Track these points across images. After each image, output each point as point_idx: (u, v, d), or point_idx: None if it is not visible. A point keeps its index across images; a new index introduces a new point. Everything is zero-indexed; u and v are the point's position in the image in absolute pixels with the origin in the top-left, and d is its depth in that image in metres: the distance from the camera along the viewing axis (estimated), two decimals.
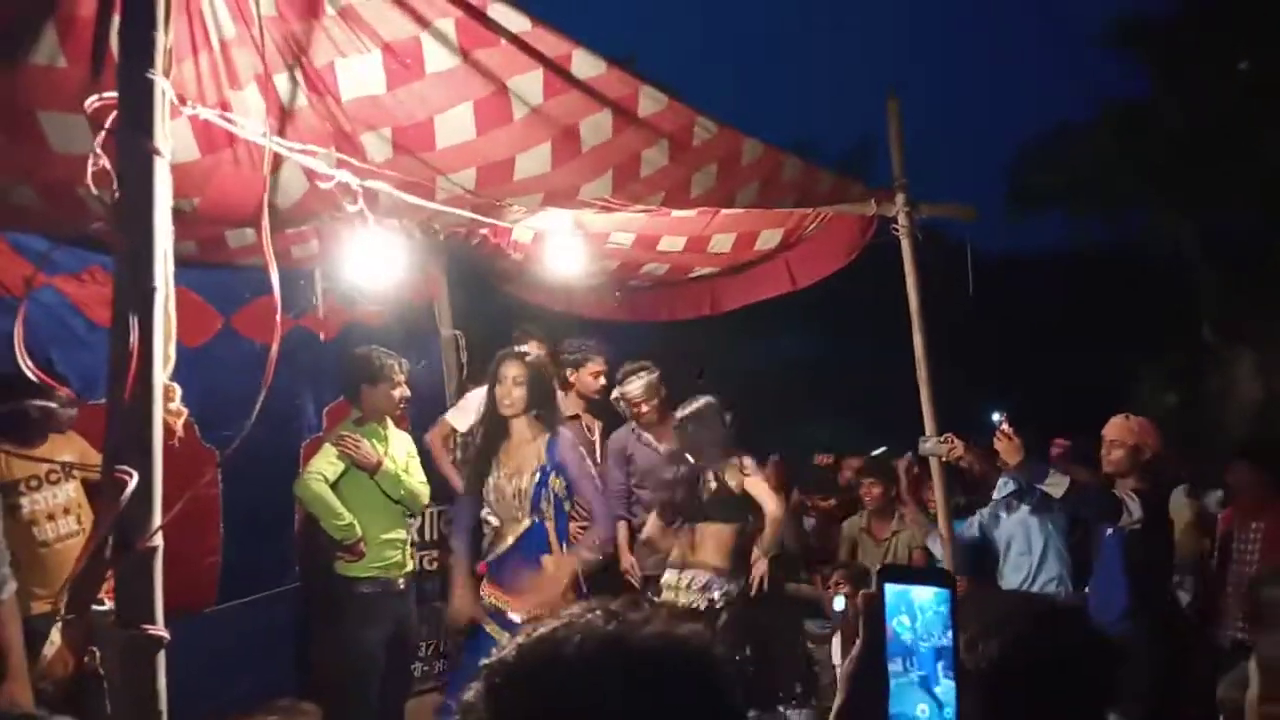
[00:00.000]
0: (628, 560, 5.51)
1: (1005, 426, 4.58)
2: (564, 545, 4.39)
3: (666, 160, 3.56)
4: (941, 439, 4.63)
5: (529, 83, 3.01)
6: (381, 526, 4.85)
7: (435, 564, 5.69)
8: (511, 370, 4.45)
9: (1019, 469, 4.63)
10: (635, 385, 5.47)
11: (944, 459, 4.67)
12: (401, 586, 4.95)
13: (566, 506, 4.46)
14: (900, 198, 4.64)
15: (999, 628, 1.53)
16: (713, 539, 5.01)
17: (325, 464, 4.76)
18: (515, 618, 4.24)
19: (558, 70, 3.00)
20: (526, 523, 4.39)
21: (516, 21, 2.81)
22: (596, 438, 5.80)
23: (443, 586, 5.21)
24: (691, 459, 5.08)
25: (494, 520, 4.53)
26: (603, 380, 5.70)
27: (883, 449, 6.43)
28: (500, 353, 4.61)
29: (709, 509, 5.03)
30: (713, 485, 5.02)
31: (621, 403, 5.63)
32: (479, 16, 2.76)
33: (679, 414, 5.18)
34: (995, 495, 5.29)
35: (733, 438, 5.18)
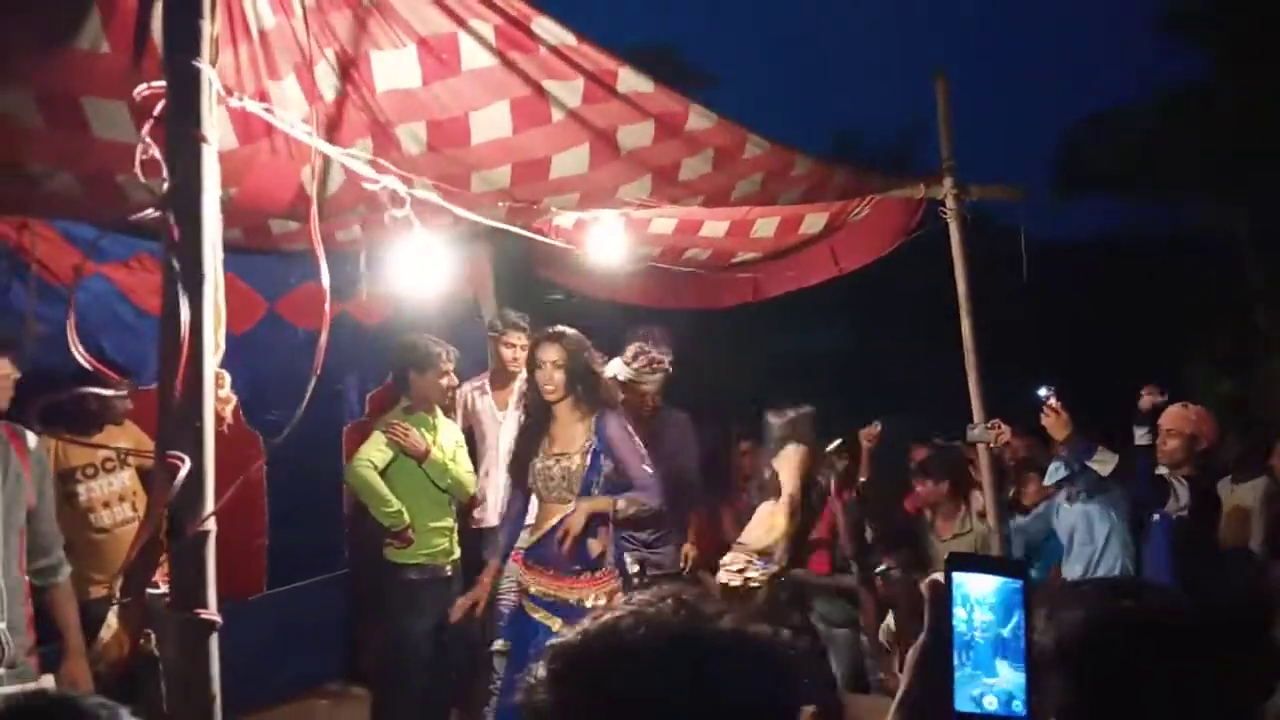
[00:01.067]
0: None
1: (1053, 401, 4.52)
2: (609, 525, 4.30)
3: (710, 168, 3.55)
4: (989, 425, 4.57)
5: (568, 89, 3.00)
6: (429, 514, 4.88)
7: None
8: (550, 354, 4.39)
9: (1066, 444, 4.56)
10: (652, 379, 5.37)
11: (991, 445, 4.61)
12: (449, 574, 4.98)
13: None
14: (948, 180, 4.60)
15: (1079, 607, 1.47)
16: (762, 519, 4.99)
17: (374, 451, 4.80)
18: (569, 599, 4.19)
19: (600, 83, 2.99)
20: (573, 504, 4.30)
21: (559, 35, 2.79)
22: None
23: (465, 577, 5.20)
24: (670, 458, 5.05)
25: (533, 506, 4.53)
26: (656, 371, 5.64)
27: (838, 442, 6.18)
28: (534, 336, 4.60)
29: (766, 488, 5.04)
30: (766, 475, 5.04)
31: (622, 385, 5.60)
32: (521, 28, 2.75)
33: (776, 419, 5.15)
34: (1047, 480, 5.20)
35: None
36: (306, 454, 5.23)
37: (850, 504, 6.11)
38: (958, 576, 1.20)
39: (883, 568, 5.80)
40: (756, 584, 4.86)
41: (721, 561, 5.00)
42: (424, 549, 4.87)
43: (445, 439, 5.02)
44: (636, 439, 4.44)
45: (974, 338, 4.67)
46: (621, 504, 4.27)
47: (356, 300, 5.29)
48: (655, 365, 5.41)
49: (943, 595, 1.18)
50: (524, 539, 4.51)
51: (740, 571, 4.86)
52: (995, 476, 4.78)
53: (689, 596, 1.07)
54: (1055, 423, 4.52)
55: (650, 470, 4.34)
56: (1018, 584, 1.19)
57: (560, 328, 4.51)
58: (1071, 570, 5.11)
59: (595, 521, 4.25)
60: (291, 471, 5.04)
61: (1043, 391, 4.73)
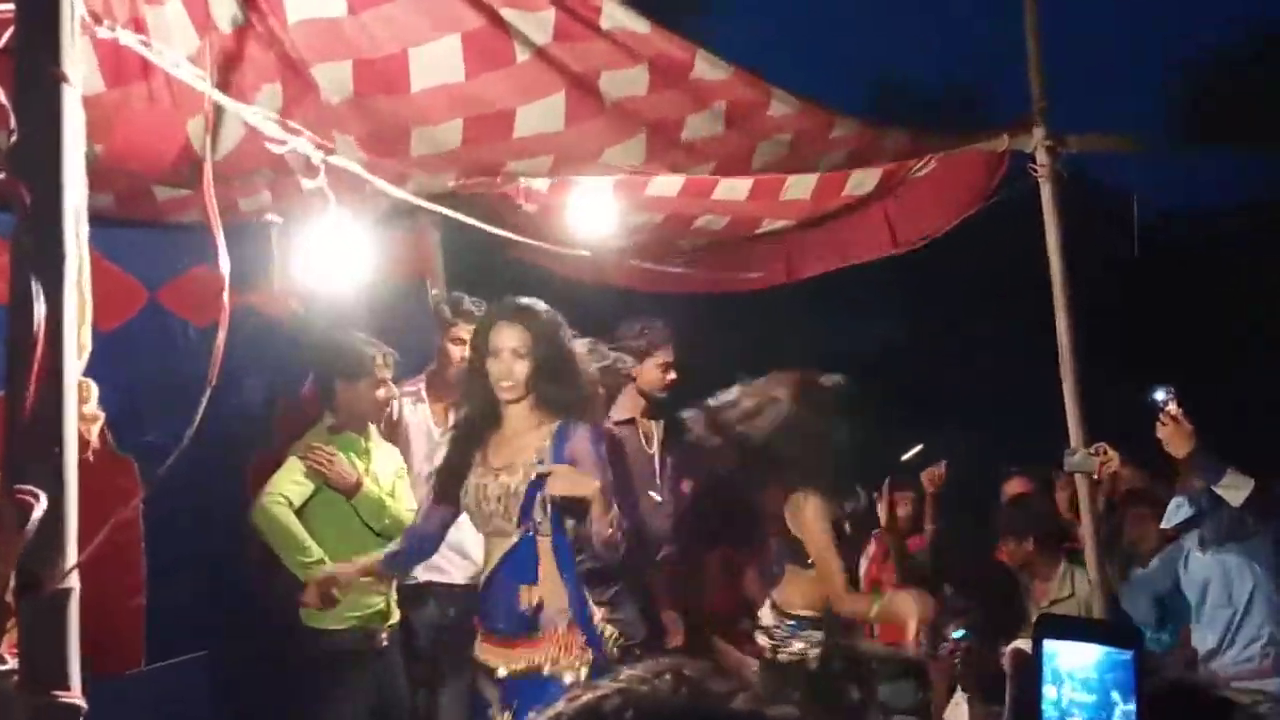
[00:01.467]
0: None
1: (1172, 407, 4.52)
2: (564, 574, 4.06)
3: (721, 127, 3.57)
4: (1092, 450, 4.58)
5: (536, 22, 3.02)
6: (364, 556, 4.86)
7: None
8: (509, 338, 4.14)
9: (1189, 462, 4.57)
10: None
11: (1096, 476, 4.62)
12: (385, 642, 4.97)
13: (570, 523, 4.12)
14: (1039, 129, 4.63)
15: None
16: (791, 581, 4.98)
17: (289, 483, 4.79)
18: (503, 671, 4.04)
19: (576, 15, 3.01)
20: (513, 538, 4.10)
21: None
22: (656, 448, 5.78)
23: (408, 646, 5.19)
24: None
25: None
26: (672, 375, 5.68)
27: (916, 448, 6.21)
28: (490, 309, 4.45)
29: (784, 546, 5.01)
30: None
31: (634, 370, 5.60)
32: None
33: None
34: (1165, 522, 5.21)
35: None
36: (198, 487, 5.19)
37: (917, 555, 6.14)
38: (1049, 645, 1.21)
39: (961, 632, 5.81)
40: (803, 655, 4.84)
41: (760, 619, 5.00)
42: (353, 610, 4.86)
43: (381, 467, 5.01)
44: (607, 462, 4.26)
45: (1071, 333, 4.69)
46: (601, 528, 4.04)
47: (265, 289, 5.31)
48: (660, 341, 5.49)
49: (1028, 668, 1.19)
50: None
51: (785, 639, 4.85)
52: (1097, 516, 4.78)
53: (692, 672, 1.07)
54: (1175, 434, 4.53)
55: (615, 513, 4.11)
56: (1126, 656, 1.20)
57: (525, 301, 4.25)
58: (1203, 638, 5.10)
59: (530, 557, 4.06)
60: (179, 510, 5.01)
61: (1160, 395, 4.74)
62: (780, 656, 4.83)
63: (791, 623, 4.87)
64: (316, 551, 4.75)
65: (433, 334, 5.75)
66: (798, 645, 4.85)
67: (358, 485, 4.83)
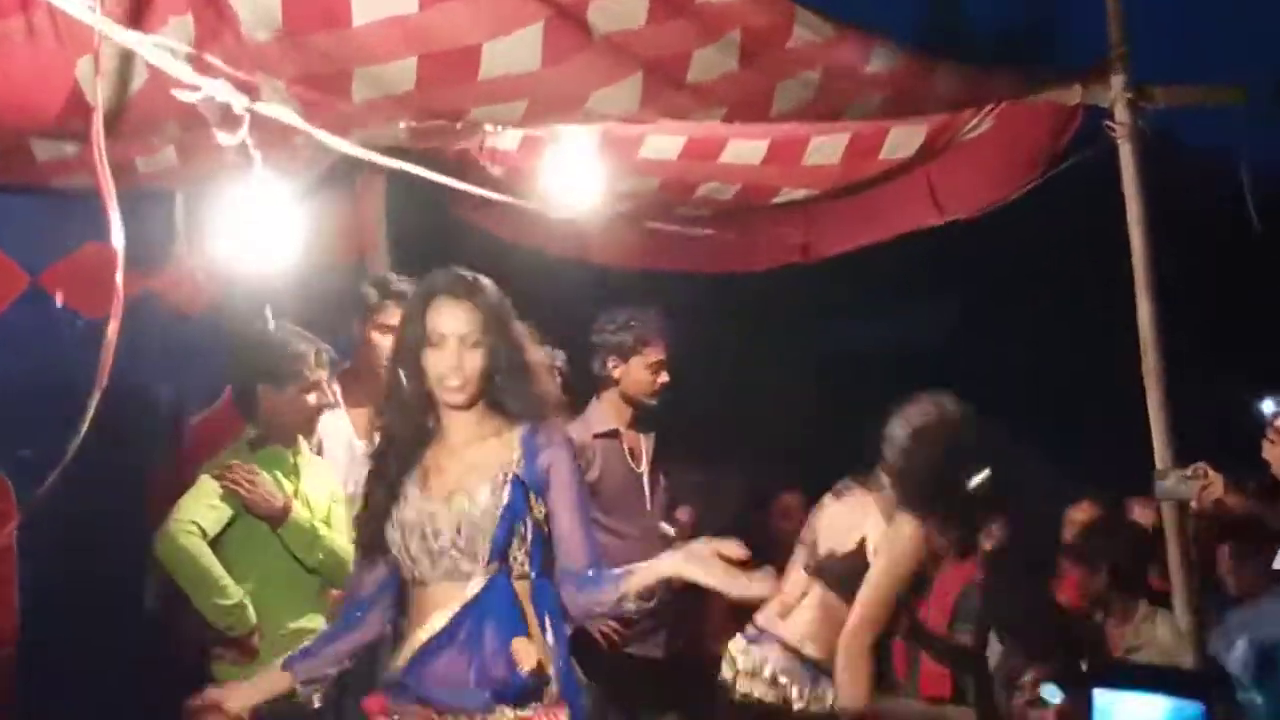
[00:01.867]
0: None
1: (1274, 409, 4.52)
2: (551, 626, 3.91)
3: (735, 64, 3.56)
4: (1189, 472, 4.57)
5: None
6: (287, 609, 4.83)
7: None
8: (455, 321, 3.66)
9: None
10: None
11: (1193, 504, 4.61)
12: (317, 704, 4.93)
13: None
14: (1119, 78, 4.60)
15: None
16: (816, 610, 4.96)
17: (202, 508, 4.74)
18: None
19: None
20: (478, 581, 3.72)
21: None
22: (645, 464, 5.76)
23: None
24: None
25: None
26: (664, 377, 5.64)
27: (983, 474, 6.20)
28: (423, 284, 3.95)
29: (825, 567, 4.96)
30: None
31: (620, 370, 5.61)
32: None
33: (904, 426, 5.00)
34: (1278, 563, 5.21)
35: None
36: (87, 513, 5.16)
37: (965, 591, 6.13)
38: (1103, 696, 1.19)
39: (1051, 689, 5.81)
40: (798, 708, 4.82)
41: (731, 648, 4.97)
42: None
43: (314, 489, 4.97)
44: (582, 479, 3.98)
45: (1156, 326, 4.68)
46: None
47: (169, 271, 5.29)
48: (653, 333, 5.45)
49: None
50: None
51: (773, 685, 4.83)
52: (1186, 547, 4.76)
53: None
54: None
55: (589, 541, 3.83)
56: (1196, 709, 1.18)
57: (464, 273, 3.78)
58: None
59: (507, 604, 3.70)
60: (61, 541, 5.00)
61: (1269, 407, 4.72)
62: (742, 691, 4.82)
63: (774, 654, 4.86)
64: (235, 592, 4.70)
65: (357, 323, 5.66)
66: (785, 690, 4.82)
67: (285, 511, 4.79)
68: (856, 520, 4.84)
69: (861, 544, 4.81)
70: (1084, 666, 2.30)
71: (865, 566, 4.78)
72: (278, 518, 4.77)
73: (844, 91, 3.92)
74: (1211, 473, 4.59)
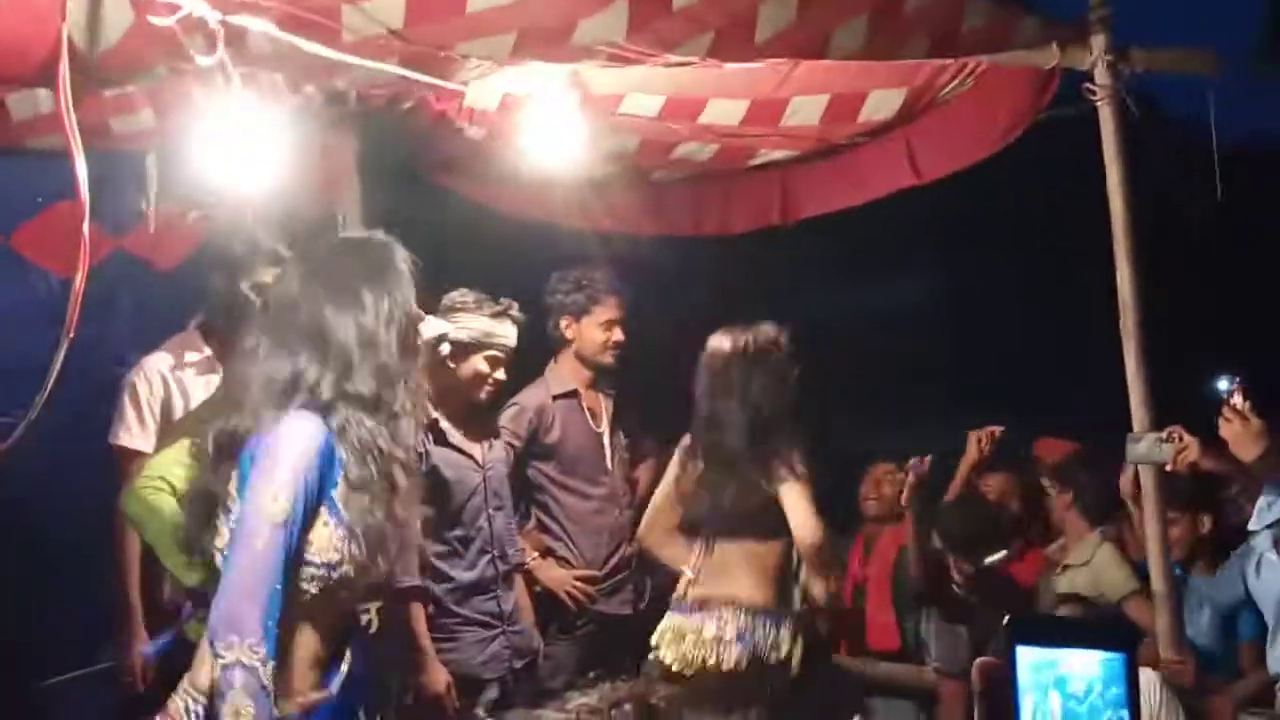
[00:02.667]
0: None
1: (1237, 400, 4.51)
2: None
3: None
4: (1164, 435, 4.58)
5: None
6: None
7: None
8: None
9: (1260, 466, 4.56)
10: (502, 339, 5.20)
11: (1170, 467, 4.62)
12: None
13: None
14: (1100, 39, 4.58)
15: None
16: (746, 562, 4.98)
17: (172, 464, 4.67)
18: None
19: None
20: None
21: None
22: (606, 426, 5.77)
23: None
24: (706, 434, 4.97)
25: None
26: (618, 334, 5.66)
27: (1000, 554, 6.24)
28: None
29: (733, 521, 4.98)
30: (733, 489, 4.96)
31: (572, 330, 5.67)
32: None
33: (721, 344, 5.04)
34: (1254, 523, 5.23)
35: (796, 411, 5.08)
36: (57, 474, 5.14)
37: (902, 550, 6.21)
38: (1024, 651, 1.20)
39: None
40: (773, 661, 4.83)
41: (672, 629, 4.98)
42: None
43: None
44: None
45: (1135, 291, 4.67)
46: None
47: (144, 231, 5.25)
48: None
49: (1000, 682, 1.19)
50: None
51: (740, 641, 4.83)
52: (1162, 508, 4.77)
53: (659, 699, 1.05)
54: (1241, 434, 4.48)
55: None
56: (1118, 658, 1.19)
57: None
58: (1277, 657, 5.14)
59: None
60: (31, 503, 4.98)
61: (1223, 384, 4.73)
62: (697, 657, 4.83)
63: (723, 614, 4.87)
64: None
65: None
66: (750, 643, 4.83)
67: None
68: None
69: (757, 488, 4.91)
70: (1005, 621, 2.31)
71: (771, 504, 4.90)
72: None
73: (824, 16, 3.87)
74: (1187, 436, 4.59)
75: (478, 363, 5.02)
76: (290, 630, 2.95)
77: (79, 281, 2.36)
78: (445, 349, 4.81)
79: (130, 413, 5.08)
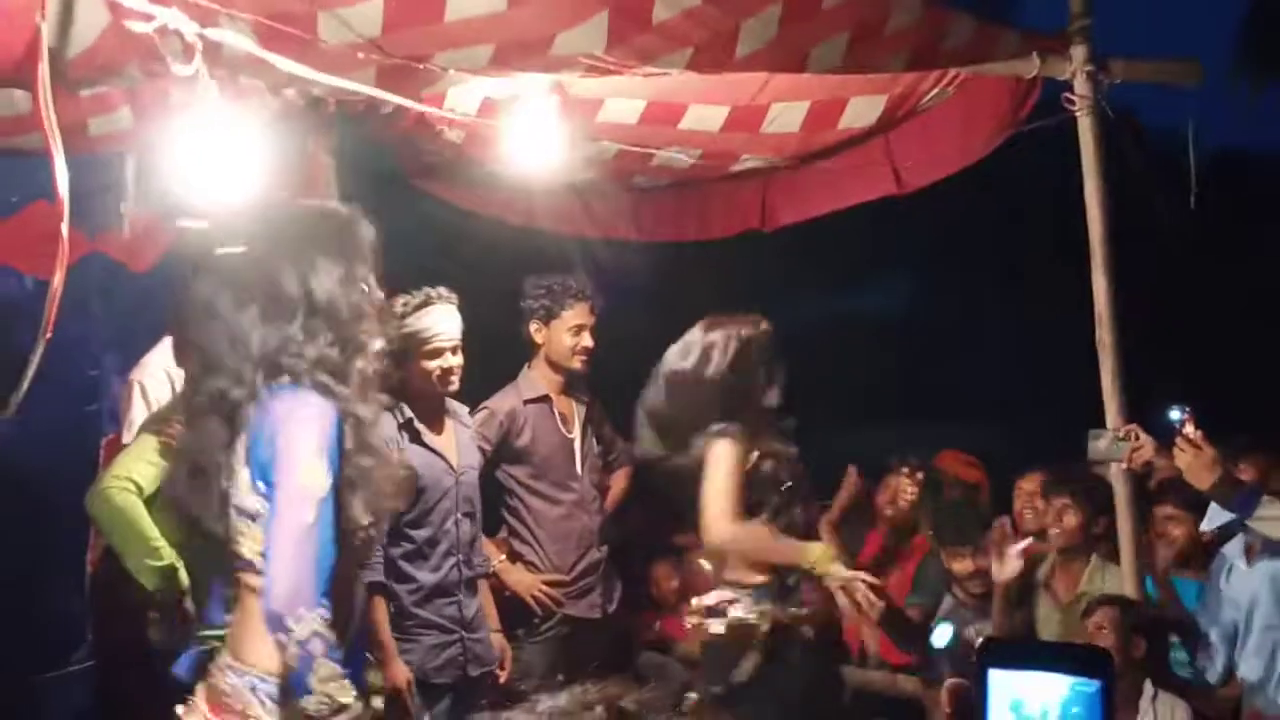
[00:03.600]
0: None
1: (1189, 430, 4.54)
2: None
3: (699, 1, 3.56)
4: (1121, 434, 4.61)
5: None
6: (221, 573, 4.79)
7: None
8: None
9: (1215, 494, 4.60)
10: (444, 335, 5.11)
11: (1127, 465, 4.65)
12: None
13: None
14: (1080, 51, 4.61)
15: None
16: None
17: (139, 463, 4.66)
18: None
19: None
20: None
21: None
22: (577, 432, 5.77)
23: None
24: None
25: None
26: (586, 339, 5.66)
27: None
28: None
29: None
30: None
31: (541, 334, 5.62)
32: None
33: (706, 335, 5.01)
34: (1207, 524, 5.26)
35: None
36: (33, 476, 5.13)
37: (924, 561, 6.18)
38: (996, 675, 1.21)
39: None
40: (748, 620, 4.84)
41: (693, 605, 4.97)
42: (212, 631, 4.79)
43: None
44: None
45: (1111, 301, 4.70)
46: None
47: (120, 233, 5.23)
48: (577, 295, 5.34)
49: (969, 706, 1.20)
50: None
51: (719, 613, 4.83)
52: (1135, 510, 4.81)
53: (630, 703, 1.06)
54: (1194, 463, 4.52)
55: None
56: (1093, 687, 1.20)
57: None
58: (1251, 666, 5.14)
59: None
60: (7, 508, 4.96)
61: (1175, 415, 4.77)
62: (716, 628, 4.82)
63: (747, 591, 4.87)
64: (168, 554, 4.64)
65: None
66: (738, 612, 4.82)
67: None
68: None
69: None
70: (977, 644, 2.32)
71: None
72: None
73: (805, 33, 3.88)
74: (1143, 435, 4.63)
75: (425, 362, 4.98)
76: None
77: (57, 282, 2.35)
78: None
79: (140, 412, 5.12)
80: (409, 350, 4.88)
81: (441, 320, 4.97)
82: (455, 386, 5.08)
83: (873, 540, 6.86)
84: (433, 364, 4.94)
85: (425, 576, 5.01)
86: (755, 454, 4.70)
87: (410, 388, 4.91)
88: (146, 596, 4.72)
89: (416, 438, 5.00)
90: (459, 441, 5.18)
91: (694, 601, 4.92)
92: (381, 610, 4.85)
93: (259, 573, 3.01)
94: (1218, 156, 13.73)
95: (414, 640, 4.97)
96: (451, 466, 5.09)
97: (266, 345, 3.04)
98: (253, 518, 3.05)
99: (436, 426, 5.09)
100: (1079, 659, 1.20)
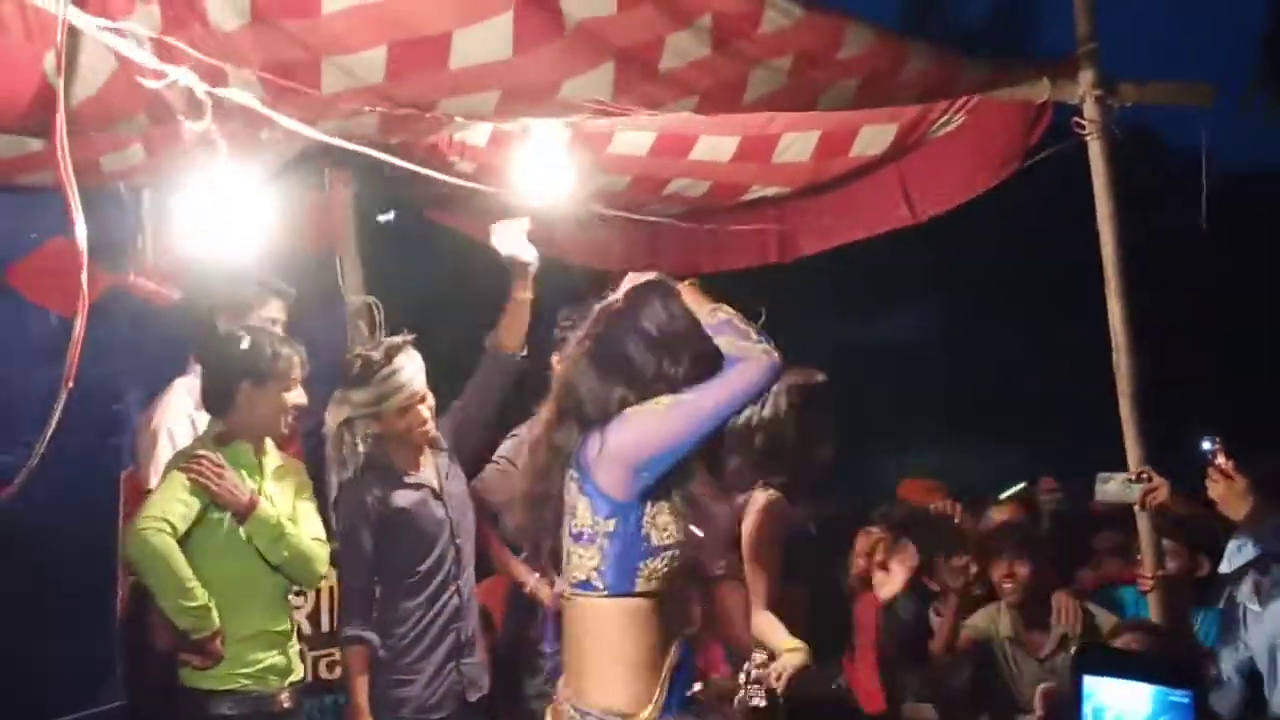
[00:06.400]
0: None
1: (1221, 460, 4.52)
2: None
3: (707, 51, 3.56)
4: (1133, 476, 4.59)
5: None
6: (251, 611, 4.79)
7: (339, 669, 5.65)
8: None
9: (1250, 524, 4.58)
10: (395, 398, 5.02)
11: (1140, 507, 4.63)
12: (286, 705, 4.92)
13: None
14: (1089, 74, 4.61)
15: None
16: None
17: (173, 503, 4.68)
18: None
19: None
20: None
21: None
22: None
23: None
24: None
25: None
26: None
27: (1020, 485, 6.23)
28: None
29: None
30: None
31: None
32: None
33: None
34: (1225, 566, 5.24)
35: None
36: (57, 514, 5.14)
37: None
38: (1090, 682, 1.22)
39: None
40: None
41: (750, 670, 4.95)
42: (241, 668, 4.78)
43: (278, 489, 4.93)
44: None
45: (1126, 326, 4.69)
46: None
47: (136, 269, 5.25)
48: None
49: (1061, 711, 1.21)
50: None
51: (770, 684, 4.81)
52: (1157, 549, 4.77)
53: None
54: (1228, 493, 4.50)
55: None
56: (1184, 698, 1.21)
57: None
58: (1278, 702, 5.13)
59: None
60: (31, 543, 4.97)
61: (1205, 445, 4.74)
62: (756, 701, 4.79)
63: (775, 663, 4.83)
64: (201, 594, 4.66)
65: (344, 333, 5.68)
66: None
67: (252, 504, 4.76)
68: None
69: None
70: (1071, 652, 2.32)
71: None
72: (244, 511, 4.73)
73: (816, 80, 3.91)
74: (1156, 477, 4.59)
75: (393, 418, 4.92)
76: None
77: (79, 329, 2.37)
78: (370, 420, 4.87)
79: (165, 456, 5.13)
80: (385, 402, 4.88)
81: (401, 372, 4.88)
82: (433, 431, 5.07)
83: None
84: (406, 421, 4.90)
85: (426, 612, 4.98)
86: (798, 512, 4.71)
87: (393, 438, 4.91)
88: (176, 636, 4.75)
89: (399, 483, 4.98)
90: (438, 465, 5.16)
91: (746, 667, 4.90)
92: (358, 664, 4.86)
93: None
94: (1233, 176, 13.69)
95: (412, 678, 4.94)
96: (436, 491, 5.06)
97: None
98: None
99: (414, 465, 5.05)
100: (1172, 669, 1.20)
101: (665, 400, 3.19)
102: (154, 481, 5.05)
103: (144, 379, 5.50)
